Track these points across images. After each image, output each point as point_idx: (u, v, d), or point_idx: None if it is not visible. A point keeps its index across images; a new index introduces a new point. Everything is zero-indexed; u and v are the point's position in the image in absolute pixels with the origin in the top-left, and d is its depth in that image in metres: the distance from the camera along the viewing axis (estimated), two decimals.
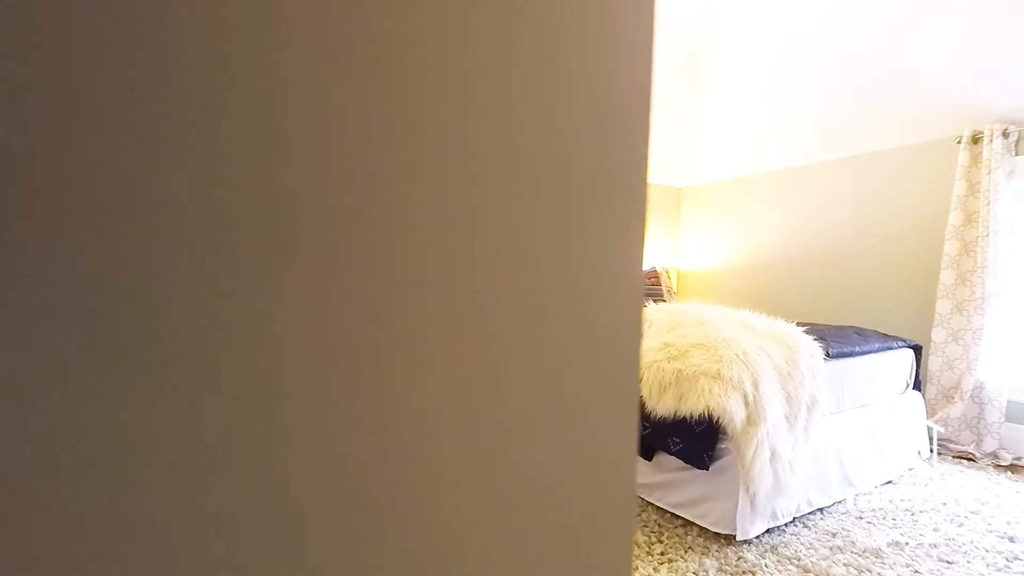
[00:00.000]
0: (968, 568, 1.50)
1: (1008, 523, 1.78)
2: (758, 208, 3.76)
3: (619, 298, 0.23)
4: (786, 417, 1.65)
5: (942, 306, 2.65)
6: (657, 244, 4.25)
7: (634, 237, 0.23)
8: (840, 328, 2.33)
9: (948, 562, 1.53)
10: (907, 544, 1.62)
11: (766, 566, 1.48)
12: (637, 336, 0.23)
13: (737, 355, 1.62)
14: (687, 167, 4.14)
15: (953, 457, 2.49)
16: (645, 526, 1.69)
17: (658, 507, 1.79)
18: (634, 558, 1.50)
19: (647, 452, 1.80)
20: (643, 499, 1.85)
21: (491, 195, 0.21)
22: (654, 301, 2.39)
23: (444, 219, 0.20)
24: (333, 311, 0.18)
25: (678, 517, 1.73)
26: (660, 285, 3.20)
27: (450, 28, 0.20)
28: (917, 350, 2.37)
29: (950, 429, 2.54)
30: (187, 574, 0.17)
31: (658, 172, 4.12)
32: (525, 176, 0.22)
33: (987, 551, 1.60)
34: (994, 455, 2.46)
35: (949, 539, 1.66)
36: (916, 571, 1.48)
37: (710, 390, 1.55)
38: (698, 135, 3.91)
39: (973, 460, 2.46)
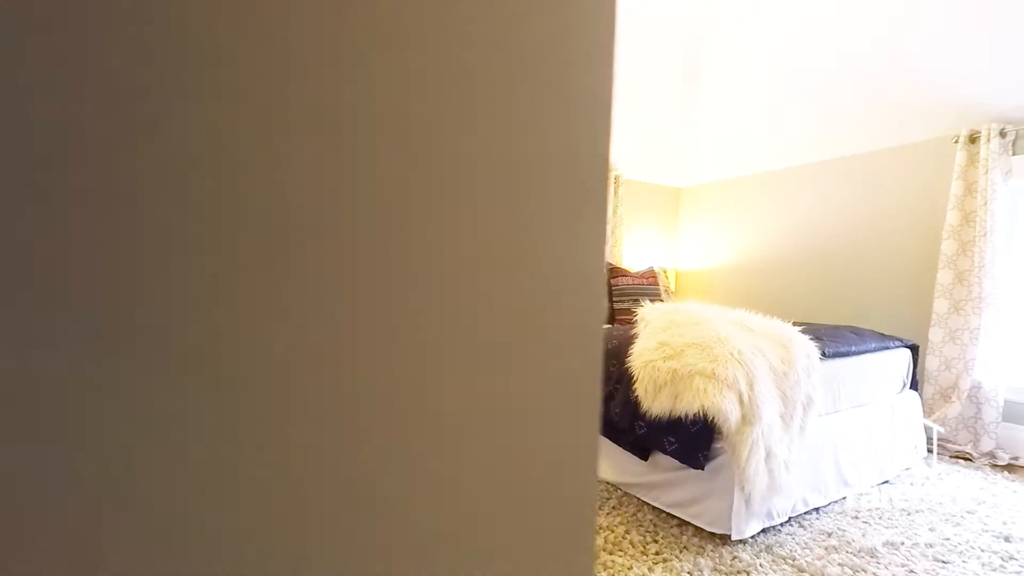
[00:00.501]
0: (963, 568, 1.50)
1: (1004, 523, 1.78)
2: (756, 208, 3.76)
3: (583, 291, 0.23)
4: (781, 417, 1.65)
5: (939, 306, 2.65)
6: (655, 244, 4.25)
7: (596, 234, 0.23)
8: (837, 328, 2.33)
9: (943, 562, 1.53)
10: (903, 544, 1.62)
11: (761, 566, 1.48)
12: (598, 330, 0.23)
13: (732, 355, 1.62)
14: (686, 167, 4.14)
15: (950, 457, 2.49)
16: (640, 526, 1.69)
17: (653, 507, 1.79)
18: (629, 557, 1.50)
19: (642, 452, 1.80)
20: (639, 499, 1.85)
21: (479, 194, 0.21)
22: (651, 301, 2.39)
23: (436, 218, 0.20)
24: (329, 308, 0.19)
25: (673, 517, 1.73)
26: (657, 285, 3.20)
27: (433, 30, 0.20)
28: (914, 350, 2.37)
29: (947, 429, 2.54)
30: (190, 572, 0.17)
31: (657, 172, 4.12)
32: (513, 176, 0.22)
33: (983, 551, 1.60)
34: (991, 455, 2.46)
35: (945, 539, 1.66)
36: (911, 571, 1.48)
37: (705, 390, 1.55)
38: (697, 135, 3.91)
39: (970, 460, 2.46)
